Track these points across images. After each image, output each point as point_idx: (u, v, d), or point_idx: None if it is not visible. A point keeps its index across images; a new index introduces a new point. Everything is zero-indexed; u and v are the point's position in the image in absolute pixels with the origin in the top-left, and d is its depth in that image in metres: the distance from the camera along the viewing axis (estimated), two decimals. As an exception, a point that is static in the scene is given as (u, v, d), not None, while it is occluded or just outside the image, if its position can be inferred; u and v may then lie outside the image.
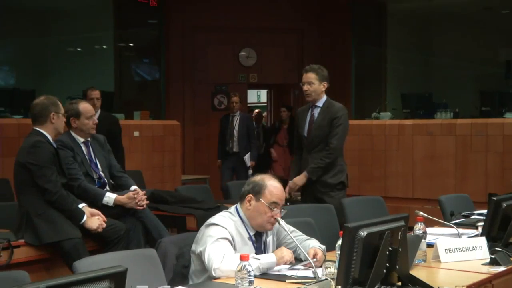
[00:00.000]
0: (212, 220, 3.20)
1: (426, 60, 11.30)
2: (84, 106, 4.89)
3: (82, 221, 4.43)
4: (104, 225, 4.50)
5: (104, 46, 11.23)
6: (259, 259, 3.01)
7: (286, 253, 3.12)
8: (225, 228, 3.13)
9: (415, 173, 8.19)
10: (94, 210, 4.55)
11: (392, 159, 8.36)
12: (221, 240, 3.08)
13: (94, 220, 4.48)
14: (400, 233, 2.75)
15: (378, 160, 8.45)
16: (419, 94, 9.88)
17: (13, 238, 4.20)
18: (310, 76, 5.26)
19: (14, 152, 7.27)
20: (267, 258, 3.06)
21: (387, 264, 2.68)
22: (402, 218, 2.82)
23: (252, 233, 3.26)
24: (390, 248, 2.67)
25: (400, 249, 2.72)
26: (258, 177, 3.31)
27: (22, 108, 8.19)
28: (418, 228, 3.44)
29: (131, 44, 11.30)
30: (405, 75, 11.39)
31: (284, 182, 7.65)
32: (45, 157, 4.31)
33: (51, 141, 4.43)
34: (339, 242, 2.89)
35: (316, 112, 5.33)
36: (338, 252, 2.89)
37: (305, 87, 5.28)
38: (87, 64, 10.76)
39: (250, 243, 3.23)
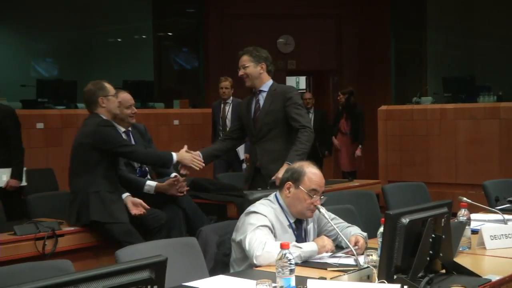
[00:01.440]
0: (252, 208, 3.19)
1: (468, 43, 11.06)
2: (123, 96, 4.91)
3: (174, 160, 4.51)
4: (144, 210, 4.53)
5: (144, 36, 11.30)
6: (301, 247, 2.98)
7: (328, 242, 3.09)
8: (265, 216, 3.11)
9: (458, 158, 8.06)
10: (136, 199, 4.58)
11: (434, 144, 8.23)
12: (262, 227, 3.06)
13: (183, 154, 4.53)
14: (443, 219, 2.69)
15: (420, 145, 8.33)
16: (461, 78, 9.68)
17: (57, 227, 4.25)
18: (244, 59, 4.71)
19: (57, 142, 7.47)
20: (309, 247, 3.03)
21: (431, 252, 2.63)
22: (445, 205, 2.76)
23: (292, 221, 3.24)
24: (433, 235, 2.63)
25: (443, 236, 2.67)
26: (297, 164, 3.28)
27: (65, 98, 8.30)
28: (462, 214, 3.38)
29: (170, 34, 11.35)
30: (446, 58, 11.19)
31: (350, 175, 7.35)
32: (114, 133, 4.44)
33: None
34: (381, 229, 2.85)
35: (262, 97, 4.74)
36: (380, 239, 2.86)
37: (240, 72, 4.73)
38: (127, 54, 10.85)
39: (290, 230, 3.21)
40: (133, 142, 4.97)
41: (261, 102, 4.73)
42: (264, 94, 4.73)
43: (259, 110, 4.72)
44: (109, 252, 4.34)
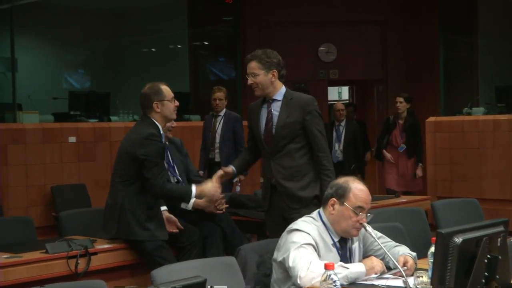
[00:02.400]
0: (294, 225, 3.18)
1: (523, 50, 10.90)
2: None
3: (193, 194, 4.54)
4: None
5: (179, 46, 11.42)
6: (348, 268, 2.96)
7: (377, 263, 3.06)
8: (309, 234, 3.10)
9: (513, 173, 7.93)
10: (172, 217, 4.61)
11: (487, 157, 8.11)
12: (306, 246, 3.05)
13: (206, 187, 4.57)
14: (499, 239, 2.65)
15: (471, 159, 8.22)
16: (516, 87, 9.54)
17: (90, 245, 4.30)
18: (252, 66, 4.43)
19: (90, 156, 7.57)
20: (356, 268, 3.01)
21: (486, 273, 2.59)
22: (501, 223, 2.73)
23: (336, 239, 3.22)
24: (488, 256, 2.58)
25: (500, 256, 2.62)
26: (341, 180, 3.27)
27: (98, 111, 8.41)
28: (520, 233, 3.31)
29: (206, 43, 11.44)
30: (499, 66, 11.03)
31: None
32: (155, 152, 4.37)
33: (162, 133, 4.50)
34: (432, 249, 2.82)
35: (276, 107, 4.46)
36: (431, 260, 2.82)
37: (249, 81, 4.47)
38: (161, 65, 10.97)
39: (334, 250, 3.19)
40: (169, 156, 5.01)
41: (275, 113, 4.46)
42: (278, 104, 4.47)
43: (272, 121, 4.46)
44: (144, 271, 4.39)
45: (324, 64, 10.90)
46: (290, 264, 3.00)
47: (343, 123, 9.02)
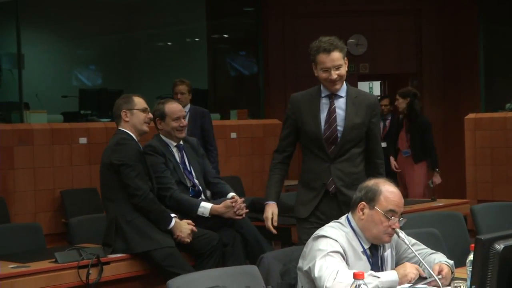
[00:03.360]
0: (321, 232, 3.17)
1: None
2: (171, 107, 5.00)
3: (171, 225, 4.54)
4: (194, 229, 4.60)
5: (197, 39, 11.47)
6: (379, 277, 2.95)
7: (410, 270, 3.03)
8: (336, 241, 3.10)
9: (561, 173, 7.86)
10: (185, 221, 4.65)
11: (532, 157, 8.05)
12: (333, 254, 3.05)
13: (183, 225, 4.57)
14: (544, 246, 2.62)
15: (515, 159, 8.15)
16: None
17: (102, 254, 4.33)
18: (336, 57, 4.09)
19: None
20: (388, 276, 2.99)
21: (530, 283, 2.56)
22: (547, 228, 2.69)
23: (366, 246, 3.21)
24: (532, 264, 2.55)
25: (545, 265, 2.59)
26: (371, 182, 3.25)
27: (110, 110, 8.46)
28: None
29: (225, 36, 11.47)
30: (545, 58, 10.92)
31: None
32: (129, 154, 4.50)
33: (136, 140, 4.58)
34: (471, 256, 2.79)
35: (341, 104, 4.21)
36: (469, 268, 2.80)
37: (333, 75, 4.08)
38: (178, 59, 11.01)
39: (364, 257, 3.18)
40: (185, 157, 5.03)
41: (340, 111, 4.20)
42: (342, 101, 4.22)
43: (336, 120, 4.19)
44: (160, 281, 4.42)
45: (354, 57, 10.86)
46: (316, 274, 2.99)
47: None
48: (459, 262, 3.29)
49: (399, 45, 10.96)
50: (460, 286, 2.72)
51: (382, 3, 10.69)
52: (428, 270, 3.05)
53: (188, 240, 4.58)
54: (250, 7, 11.12)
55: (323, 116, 4.20)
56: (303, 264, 3.13)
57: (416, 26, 10.98)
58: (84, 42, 10.99)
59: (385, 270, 3.21)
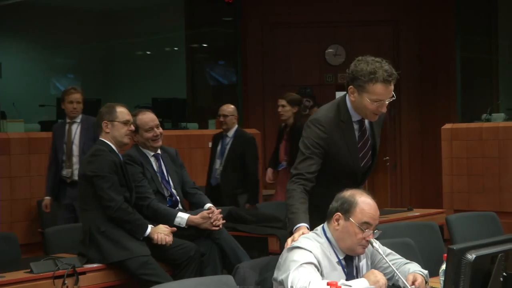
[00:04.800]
0: (295, 243, 3.19)
1: (546, 51, 10.92)
2: (142, 118, 5.01)
3: (147, 232, 4.54)
4: (171, 238, 4.59)
5: (175, 48, 11.45)
6: (350, 286, 2.97)
7: (380, 277, 3.05)
8: (310, 252, 3.11)
9: (536, 184, 7.93)
10: (161, 225, 4.67)
11: (508, 167, 8.11)
12: (306, 265, 3.06)
13: (160, 227, 4.57)
14: (516, 255, 2.66)
15: (491, 169, 8.21)
16: (539, 91, 9.57)
17: (78, 264, 4.32)
18: (392, 89, 3.65)
19: (79, 168, 7.56)
20: (359, 284, 3.01)
21: (502, 293, 2.60)
22: (519, 238, 2.73)
23: (341, 257, 3.23)
24: (504, 274, 2.59)
25: (516, 274, 2.63)
26: (348, 193, 3.27)
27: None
28: (539, 249, 3.31)
29: (204, 45, 11.47)
30: (521, 69, 11.04)
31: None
32: (103, 166, 4.49)
33: (115, 150, 4.58)
34: (443, 266, 2.83)
35: (367, 125, 3.85)
36: (442, 278, 2.83)
37: (385, 108, 3.66)
38: (156, 69, 11.00)
39: (339, 268, 3.20)
40: (163, 167, 5.04)
41: (368, 132, 3.85)
42: (367, 122, 3.83)
43: (370, 144, 3.86)
44: (136, 292, 4.41)
45: (332, 67, 10.92)
46: (289, 285, 3.01)
47: None
48: (434, 271, 3.31)
49: (377, 55, 10.90)
50: (433, 296, 2.76)
51: (360, 13, 10.75)
52: (402, 281, 3.08)
53: (169, 238, 4.58)
54: (228, 17, 11.14)
55: (355, 142, 3.80)
56: (278, 275, 3.15)
57: (393, 37, 11.05)
58: (62, 51, 10.95)
59: (359, 278, 3.23)
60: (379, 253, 3.19)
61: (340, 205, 3.22)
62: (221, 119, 7.19)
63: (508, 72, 10.87)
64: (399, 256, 3.41)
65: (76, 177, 6.20)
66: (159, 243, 4.57)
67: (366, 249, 3.26)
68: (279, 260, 3.21)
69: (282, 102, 7.26)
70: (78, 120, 6.60)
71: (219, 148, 7.21)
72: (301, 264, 3.05)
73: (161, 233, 4.59)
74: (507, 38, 10.82)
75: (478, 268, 2.51)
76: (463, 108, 10.58)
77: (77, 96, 6.61)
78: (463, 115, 10.35)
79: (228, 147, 7.05)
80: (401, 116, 10.82)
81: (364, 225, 3.16)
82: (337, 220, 3.20)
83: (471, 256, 2.50)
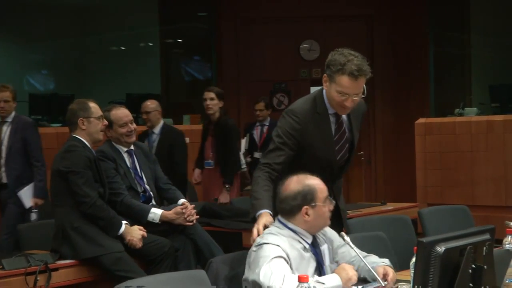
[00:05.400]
0: (261, 240, 3.19)
1: (518, 46, 11.01)
2: (116, 113, 4.99)
3: (120, 231, 4.52)
4: (145, 234, 4.58)
5: (150, 44, 11.41)
6: (324, 283, 2.98)
7: (352, 273, 3.07)
8: (278, 246, 3.12)
9: (508, 177, 7.98)
10: (136, 227, 4.64)
11: (480, 161, 8.17)
12: (276, 259, 3.07)
13: (134, 229, 4.56)
14: (485, 248, 2.69)
15: (464, 163, 8.27)
16: (510, 85, 9.64)
17: (50, 260, 4.29)
18: (361, 84, 3.63)
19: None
20: (333, 281, 3.02)
21: (471, 284, 2.62)
22: (487, 231, 2.76)
23: (310, 241, 3.26)
24: (473, 266, 2.62)
25: (485, 266, 2.65)
26: (298, 186, 3.24)
27: (61, 115, 8.40)
28: (508, 241, 3.35)
29: (179, 40, 11.44)
30: (494, 64, 11.13)
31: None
32: (77, 161, 4.47)
33: (89, 146, 4.56)
34: (414, 259, 2.84)
35: (345, 118, 3.83)
36: (412, 271, 2.84)
37: (351, 103, 3.63)
38: (131, 64, 10.95)
39: (307, 254, 3.23)
40: (136, 163, 5.03)
41: (346, 126, 3.84)
42: (345, 115, 3.83)
43: (346, 137, 3.84)
44: (109, 287, 4.39)
45: (306, 62, 10.94)
46: (261, 279, 3.01)
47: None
48: (405, 265, 3.34)
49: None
50: (403, 288, 2.78)
51: (334, 8, 10.78)
52: (375, 274, 3.08)
53: (139, 244, 4.57)
54: (203, 12, 11.12)
55: (330, 134, 3.79)
56: (249, 275, 3.14)
57: (367, 31, 11.10)
58: (36, 47, 10.86)
59: (325, 263, 3.27)
60: (350, 246, 3.20)
61: (302, 200, 3.22)
62: (144, 116, 6.81)
63: (481, 67, 10.96)
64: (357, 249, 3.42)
65: (5, 180, 6.26)
66: (129, 245, 4.55)
67: (326, 234, 3.35)
68: (248, 259, 3.20)
69: (211, 95, 6.87)
70: (9, 119, 6.36)
71: None
72: (271, 259, 3.06)
73: (134, 237, 4.56)
74: (479, 33, 10.91)
75: (447, 261, 2.53)
76: (437, 102, 10.66)
77: (5, 95, 6.30)
78: (437, 110, 10.43)
79: (155, 144, 6.71)
80: (375, 111, 10.87)
81: (327, 200, 3.24)
82: (307, 213, 3.22)
83: (440, 248, 2.52)
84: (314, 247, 3.27)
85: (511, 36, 10.94)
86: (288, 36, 10.86)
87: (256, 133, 8.48)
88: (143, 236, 4.60)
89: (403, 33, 10.84)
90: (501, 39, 10.92)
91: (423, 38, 10.72)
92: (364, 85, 3.66)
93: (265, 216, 3.42)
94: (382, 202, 7.04)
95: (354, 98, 3.61)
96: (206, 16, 11.09)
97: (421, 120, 8.71)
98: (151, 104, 6.83)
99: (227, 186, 6.82)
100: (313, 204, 3.21)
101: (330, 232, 3.39)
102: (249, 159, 8.33)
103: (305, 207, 3.22)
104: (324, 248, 3.34)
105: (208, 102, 6.86)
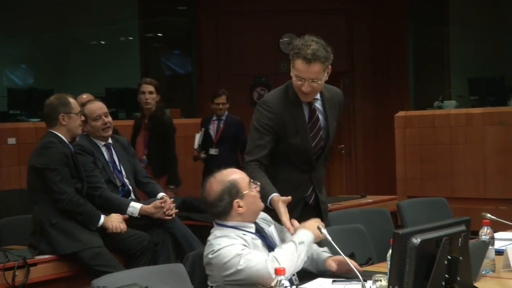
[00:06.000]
0: (213, 248, 3.15)
1: (497, 39, 11.07)
2: (89, 107, 4.97)
3: (100, 223, 4.52)
4: (125, 225, 4.58)
5: (130, 38, 11.35)
6: (303, 242, 3.13)
7: (309, 225, 3.24)
8: (233, 244, 3.12)
9: (487, 170, 8.04)
10: (114, 214, 4.65)
11: (459, 154, 8.22)
12: (245, 250, 3.08)
13: (113, 216, 4.55)
14: (460, 239, 2.70)
15: (443, 155, 8.32)
16: (489, 78, 9.70)
17: (29, 255, 4.27)
18: (316, 70, 3.63)
19: (31, 159, 7.48)
20: (307, 237, 3.17)
21: (446, 276, 2.64)
22: (463, 222, 2.77)
23: (253, 230, 3.27)
24: (449, 257, 2.63)
25: (461, 257, 2.67)
26: (220, 186, 3.23)
27: (40, 110, 8.33)
28: (484, 233, 3.38)
29: (159, 34, 11.40)
30: (472, 57, 11.19)
31: None
32: (53, 158, 4.43)
33: (67, 142, 4.53)
34: (390, 251, 2.86)
35: (319, 106, 3.86)
36: (389, 262, 2.86)
37: (307, 88, 3.66)
38: (110, 59, 10.89)
39: (258, 241, 3.25)
40: (114, 156, 5.01)
41: (320, 116, 3.85)
42: (319, 104, 3.86)
43: (321, 125, 3.85)
44: (88, 282, 4.35)
45: (286, 56, 10.80)
46: (248, 274, 3.01)
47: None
48: (384, 257, 3.35)
49: (331, 44, 10.98)
50: (381, 280, 2.78)
51: (314, 2, 10.79)
52: (344, 257, 3.06)
53: (123, 226, 4.56)
54: (183, 6, 11.08)
55: (304, 122, 3.81)
56: (219, 283, 3.12)
57: (347, 25, 11.12)
58: (15, 41, 10.77)
59: (277, 243, 3.31)
60: (328, 239, 3.19)
61: (229, 196, 3.21)
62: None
63: (460, 60, 11.02)
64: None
65: None
66: (114, 231, 4.54)
67: (267, 218, 3.42)
68: (208, 273, 3.17)
69: (150, 88, 6.51)
70: None
71: None
72: (241, 255, 3.05)
73: (114, 221, 4.56)
74: (458, 26, 10.96)
75: (423, 252, 2.54)
76: (416, 96, 10.71)
77: None
78: (416, 103, 10.48)
79: None
80: (355, 104, 10.90)
81: (250, 183, 3.28)
82: (239, 205, 3.22)
83: (416, 240, 2.53)
84: (260, 233, 3.29)
85: (490, 30, 11.02)
86: (268, 30, 10.86)
87: (213, 128, 7.77)
88: (124, 219, 4.59)
89: (382, 27, 10.87)
90: (480, 32, 10.99)
91: (403, 32, 10.77)
92: (327, 72, 3.71)
93: (278, 199, 3.44)
94: (362, 195, 7.07)
95: (312, 84, 3.64)
96: (186, 10, 11.05)
97: (401, 113, 8.74)
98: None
99: (171, 187, 6.46)
100: (240, 195, 3.23)
101: (265, 215, 3.42)
102: (203, 156, 7.54)
103: (235, 201, 3.22)
104: (271, 229, 3.38)
105: (147, 95, 6.54)
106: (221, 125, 7.71)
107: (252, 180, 3.30)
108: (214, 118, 7.78)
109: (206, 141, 7.63)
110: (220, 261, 3.09)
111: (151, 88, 6.56)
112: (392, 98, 10.57)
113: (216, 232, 3.25)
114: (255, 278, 3.01)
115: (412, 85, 10.78)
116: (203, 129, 7.74)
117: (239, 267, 3.04)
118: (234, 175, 3.29)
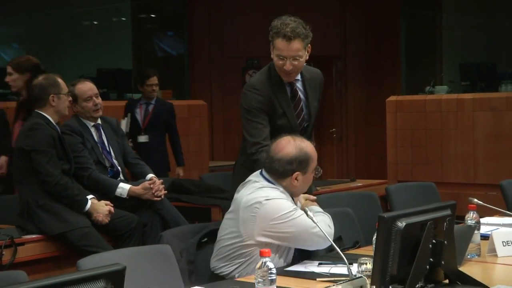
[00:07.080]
0: (265, 193, 3.18)
1: (488, 25, 11.08)
2: (80, 87, 4.93)
3: (86, 208, 4.50)
4: (112, 210, 4.57)
5: (123, 18, 11.30)
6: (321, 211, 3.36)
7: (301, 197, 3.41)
8: (286, 200, 3.22)
9: (477, 155, 8.07)
10: (103, 202, 4.62)
11: (450, 139, 8.24)
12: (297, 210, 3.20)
13: (100, 205, 4.53)
14: (445, 223, 2.71)
15: (434, 140, 8.34)
16: (481, 64, 9.72)
17: (16, 235, 4.27)
18: (296, 47, 3.70)
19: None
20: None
21: (431, 259, 2.65)
22: (448, 206, 2.78)
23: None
24: (433, 241, 2.64)
25: (445, 242, 2.68)
26: (295, 151, 3.24)
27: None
28: (470, 217, 3.40)
29: (152, 15, 11.35)
30: (464, 43, 11.20)
31: None
32: (40, 140, 4.40)
33: (54, 123, 4.50)
34: (376, 235, 2.87)
35: (300, 87, 3.94)
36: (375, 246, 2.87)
37: (289, 66, 3.71)
38: (102, 39, 10.85)
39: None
40: (103, 137, 4.99)
41: (301, 95, 3.92)
42: (300, 84, 3.93)
43: (303, 105, 3.91)
44: (75, 262, 4.37)
45: (279, 39, 10.91)
46: (294, 230, 3.14)
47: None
48: (371, 240, 3.37)
49: (323, 28, 11.03)
50: (366, 263, 2.79)
51: (308, -15, 10.76)
52: (334, 245, 3.08)
53: (106, 220, 4.55)
54: (176, -13, 11.04)
55: (288, 104, 3.87)
56: (253, 232, 3.15)
57: (340, 9, 11.10)
58: (7, 21, 10.71)
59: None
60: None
61: (297, 166, 3.24)
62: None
63: (452, 45, 11.02)
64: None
65: None
66: (95, 223, 4.53)
67: None
68: (243, 216, 3.17)
69: (9, 69, 5.57)
70: None
71: None
72: (295, 208, 3.19)
73: (99, 214, 4.53)
74: (450, 12, 10.95)
75: (408, 236, 2.55)
76: (408, 80, 10.72)
77: None
78: (408, 88, 10.49)
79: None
80: (347, 89, 10.90)
81: (315, 168, 3.35)
82: (296, 178, 3.25)
83: (401, 224, 2.54)
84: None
85: (482, 16, 11.02)
86: (260, 12, 10.81)
87: (140, 113, 7.22)
88: (110, 212, 4.57)
89: (375, 11, 10.86)
90: (472, 18, 10.99)
91: (395, 17, 10.75)
92: (307, 51, 3.76)
93: None
94: (352, 178, 7.08)
95: (293, 62, 3.69)
96: (179, -9, 11.00)
97: (392, 98, 8.74)
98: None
99: None
100: (304, 171, 3.26)
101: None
102: (130, 144, 6.29)
103: (297, 173, 3.25)
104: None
105: (8, 78, 5.58)
106: (150, 109, 7.23)
107: (314, 169, 3.33)
108: (142, 101, 7.29)
109: (133, 128, 7.06)
110: (272, 208, 3.14)
111: (9, 69, 5.58)
112: (384, 82, 10.57)
113: (264, 183, 3.26)
114: (308, 235, 3.14)
115: (404, 70, 10.79)
116: (129, 114, 7.10)
117: (296, 219, 3.14)
118: (312, 151, 3.31)
